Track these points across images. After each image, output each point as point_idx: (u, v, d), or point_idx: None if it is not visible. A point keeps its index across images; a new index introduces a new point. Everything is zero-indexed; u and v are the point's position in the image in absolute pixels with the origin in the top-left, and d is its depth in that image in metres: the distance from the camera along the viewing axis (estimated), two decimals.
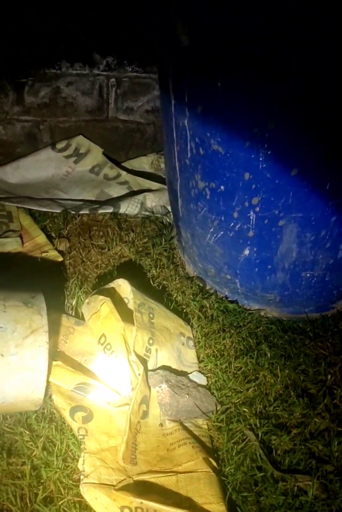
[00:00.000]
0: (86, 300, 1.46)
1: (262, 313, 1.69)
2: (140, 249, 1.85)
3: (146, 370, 1.34)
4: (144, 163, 2.20)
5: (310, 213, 1.32)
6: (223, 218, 1.44)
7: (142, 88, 2.08)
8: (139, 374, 1.31)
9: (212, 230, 1.51)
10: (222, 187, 1.36)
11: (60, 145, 2.12)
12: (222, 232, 1.48)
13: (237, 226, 1.43)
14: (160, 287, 1.71)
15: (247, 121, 1.18)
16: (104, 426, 1.25)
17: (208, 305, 1.66)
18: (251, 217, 1.37)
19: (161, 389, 1.34)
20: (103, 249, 1.84)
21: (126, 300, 1.49)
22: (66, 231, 1.88)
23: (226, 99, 1.17)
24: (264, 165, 1.24)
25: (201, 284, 1.76)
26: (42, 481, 1.15)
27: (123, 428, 1.23)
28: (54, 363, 1.30)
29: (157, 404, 1.33)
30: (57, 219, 1.91)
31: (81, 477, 1.12)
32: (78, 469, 1.16)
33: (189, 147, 1.38)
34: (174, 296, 1.69)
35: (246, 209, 1.36)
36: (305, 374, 1.49)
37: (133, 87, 2.07)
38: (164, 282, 1.74)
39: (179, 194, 1.59)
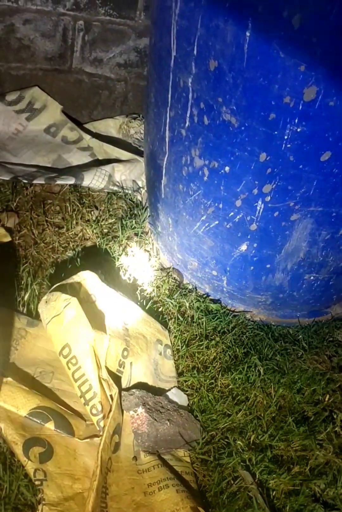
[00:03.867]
0: (45, 297, 1.15)
1: (248, 316, 1.46)
2: (106, 230, 1.55)
3: (120, 390, 1.07)
4: (111, 127, 1.87)
5: (332, 208, 1.08)
6: (221, 205, 1.17)
7: (116, 36, 1.73)
8: (112, 396, 1.04)
9: (203, 217, 1.24)
10: (227, 168, 1.09)
11: (10, 97, 1.74)
12: (216, 222, 1.22)
13: (238, 217, 1.17)
14: (131, 280, 1.43)
15: (279, 87, 0.90)
16: (67, 465, 0.97)
17: (187, 304, 1.40)
18: (258, 208, 1.12)
19: (137, 415, 1.07)
20: (60, 228, 1.52)
21: (93, 297, 1.20)
22: (14, 204, 1.54)
23: (254, 53, 0.89)
24: (288, 145, 0.98)
25: (177, 278, 1.50)
26: None
27: (92, 469, 0.96)
28: (4, 379, 1.00)
29: (131, 432, 1.07)
30: (3, 187, 1.56)
31: None
32: None
33: (188, 114, 1.09)
34: (148, 292, 1.41)
35: (253, 197, 1.11)
36: (301, 394, 1.27)
37: (105, 34, 1.71)
38: (135, 273, 1.45)
39: (164, 170, 1.30)
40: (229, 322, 1.40)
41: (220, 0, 0.90)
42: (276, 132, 0.97)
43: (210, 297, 1.46)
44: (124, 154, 1.74)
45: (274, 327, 1.45)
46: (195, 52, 0.99)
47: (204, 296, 1.46)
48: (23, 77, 1.75)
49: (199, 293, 1.46)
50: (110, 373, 1.07)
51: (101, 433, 0.99)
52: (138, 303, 1.31)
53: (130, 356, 1.14)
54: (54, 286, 1.16)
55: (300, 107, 0.91)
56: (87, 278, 1.21)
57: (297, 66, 0.87)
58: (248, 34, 0.88)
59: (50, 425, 0.99)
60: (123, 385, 1.12)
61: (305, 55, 0.86)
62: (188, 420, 1.14)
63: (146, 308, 1.33)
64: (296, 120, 0.94)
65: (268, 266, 1.26)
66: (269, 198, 1.09)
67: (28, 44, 1.70)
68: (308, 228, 1.13)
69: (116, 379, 1.07)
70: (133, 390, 1.11)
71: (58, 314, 1.10)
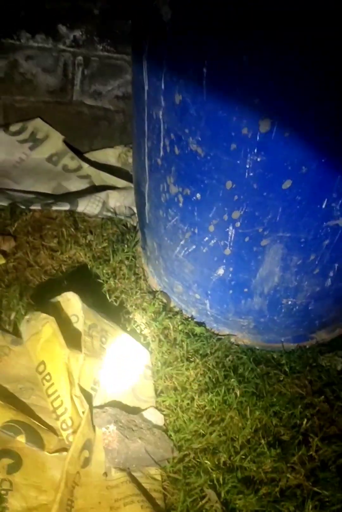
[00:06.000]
0: (26, 316, 1.21)
1: (232, 340, 1.48)
2: (98, 254, 1.61)
3: (91, 407, 1.11)
4: (110, 156, 1.95)
5: (300, 234, 1.11)
6: (196, 230, 1.22)
7: (113, 70, 1.82)
8: (83, 412, 1.08)
9: (182, 242, 1.28)
10: (198, 195, 1.14)
11: (14, 128, 1.84)
12: (194, 246, 1.26)
13: (212, 242, 1.21)
14: (117, 302, 1.48)
15: (236, 118, 0.95)
16: (35, 477, 1.02)
17: (171, 326, 1.44)
18: (230, 233, 1.16)
19: (109, 431, 1.11)
20: (55, 251, 1.59)
21: (75, 318, 1.26)
22: (13, 228, 1.62)
23: (212, 87, 0.95)
24: (251, 174, 1.02)
25: (165, 301, 1.54)
26: None
27: (58, 481, 1.00)
28: None
29: (103, 448, 1.11)
30: (3, 213, 1.65)
31: None
32: None
33: (162, 144, 1.15)
34: (133, 314, 1.46)
35: (224, 223, 1.15)
36: (278, 417, 1.29)
37: (103, 69, 1.80)
38: (123, 295, 1.50)
39: (146, 197, 1.36)
40: (212, 345, 1.43)
41: (181, 42, 0.97)
42: (238, 162, 1.01)
43: (195, 320, 1.49)
44: (119, 182, 1.81)
45: (258, 351, 1.47)
46: (162, 86, 1.05)
47: (189, 319, 1.49)
48: (26, 109, 1.85)
49: (185, 316, 1.50)
50: (82, 391, 1.11)
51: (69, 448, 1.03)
52: (121, 325, 1.36)
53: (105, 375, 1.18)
54: (37, 306, 1.22)
55: (258, 138, 0.96)
56: (70, 299, 1.27)
57: (252, 100, 0.92)
58: (204, 70, 0.93)
59: (21, 438, 1.03)
60: (98, 403, 1.16)
61: (258, 90, 0.91)
62: (161, 439, 1.17)
63: (129, 329, 1.38)
64: (255, 150, 0.98)
65: (246, 290, 1.29)
66: (238, 223, 1.13)
67: (30, 79, 1.80)
68: (279, 253, 1.17)
69: (89, 397, 1.12)
70: (107, 407, 1.15)
71: (37, 332, 1.16)
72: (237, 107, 0.95)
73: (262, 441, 1.21)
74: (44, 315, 1.16)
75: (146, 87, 1.12)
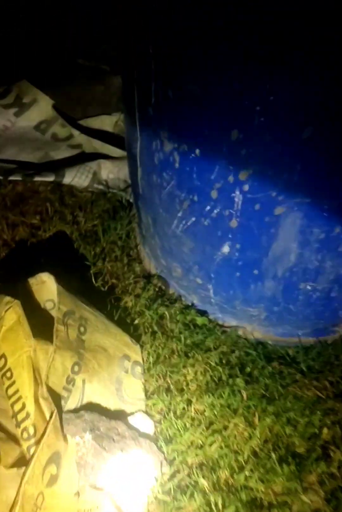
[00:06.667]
0: None
1: (240, 333, 1.26)
2: (87, 234, 1.40)
3: (60, 411, 0.90)
4: (106, 123, 1.73)
5: (323, 200, 0.89)
6: (195, 198, 1.00)
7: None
8: (50, 418, 0.87)
9: (180, 214, 1.07)
10: (197, 151, 0.92)
11: None
12: (193, 218, 1.05)
13: (215, 211, 0.99)
14: (105, 287, 1.27)
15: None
16: None
17: (168, 316, 1.23)
18: (236, 199, 0.94)
19: (83, 442, 0.90)
20: (36, 229, 1.38)
21: (50, 304, 1.06)
22: None
23: None
24: (261, 118, 0.80)
25: (162, 286, 1.33)
26: None
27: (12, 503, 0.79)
28: None
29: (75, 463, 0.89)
30: None
31: None
32: None
33: (152, 88, 0.93)
34: (124, 301, 1.24)
35: (230, 186, 0.93)
36: (293, 425, 1.07)
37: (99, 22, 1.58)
38: (113, 280, 1.29)
39: (138, 160, 1.14)
40: (216, 339, 1.21)
41: None
42: (246, 101, 0.79)
43: (197, 309, 1.28)
44: (115, 151, 1.59)
45: (270, 346, 1.25)
46: None
47: (190, 307, 1.27)
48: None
49: (185, 304, 1.28)
50: (51, 391, 0.90)
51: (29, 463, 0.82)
52: (107, 313, 1.14)
53: (83, 372, 0.97)
54: (4, 289, 1.01)
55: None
56: (45, 281, 1.07)
57: None
58: None
59: None
60: (72, 406, 0.95)
61: None
62: (149, 451, 0.96)
63: (116, 318, 1.16)
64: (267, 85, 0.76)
65: (256, 272, 1.07)
66: (247, 187, 0.91)
67: None
68: (296, 225, 0.94)
69: (58, 399, 0.91)
70: (83, 411, 0.94)
71: None
72: None
73: (273, 455, 1.00)
74: (8, 298, 0.96)
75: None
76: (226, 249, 1.06)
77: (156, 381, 1.09)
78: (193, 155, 0.94)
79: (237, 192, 0.93)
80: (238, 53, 0.76)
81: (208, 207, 1.00)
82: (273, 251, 1.01)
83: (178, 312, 1.24)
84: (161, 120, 0.96)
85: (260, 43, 0.75)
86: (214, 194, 0.97)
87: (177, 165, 0.99)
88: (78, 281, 1.23)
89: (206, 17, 0.77)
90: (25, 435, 0.86)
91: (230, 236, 1.02)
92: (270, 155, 0.85)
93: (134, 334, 1.15)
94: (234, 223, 0.99)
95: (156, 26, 0.87)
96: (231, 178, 0.92)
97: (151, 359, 1.12)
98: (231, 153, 0.88)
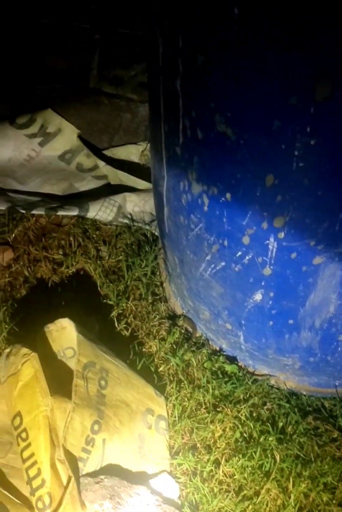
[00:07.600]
0: (7, 350, 0.94)
1: (273, 382, 1.18)
2: (111, 270, 1.34)
3: (78, 475, 0.83)
4: (132, 153, 1.67)
5: None
6: (226, 242, 0.93)
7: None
8: (67, 484, 0.80)
9: (208, 257, 0.99)
10: (228, 195, 0.85)
11: (21, 120, 1.59)
12: (223, 263, 0.97)
13: (247, 258, 0.91)
14: (129, 330, 1.20)
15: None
16: None
17: (195, 363, 1.15)
18: (271, 247, 0.86)
19: (103, 511, 0.82)
20: (59, 265, 1.33)
21: (70, 352, 0.99)
22: (12, 236, 1.37)
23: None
24: (300, 164, 0.72)
25: (189, 328, 1.25)
26: None
27: None
28: None
29: None
30: (2, 218, 1.40)
31: None
32: None
33: (180, 127, 0.87)
34: (148, 345, 1.17)
35: (263, 233, 0.85)
36: (331, 491, 0.98)
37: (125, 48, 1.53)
38: (137, 321, 1.22)
39: (164, 199, 1.07)
40: (247, 389, 1.13)
41: None
42: (283, 146, 0.72)
43: (226, 355, 1.19)
44: (140, 183, 1.53)
45: (305, 397, 1.16)
46: (180, 42, 0.77)
47: (219, 352, 1.19)
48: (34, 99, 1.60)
49: (213, 349, 1.20)
50: (69, 454, 0.83)
51: None
52: (130, 361, 1.07)
53: (103, 431, 0.89)
54: (22, 335, 0.96)
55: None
56: (66, 327, 1.00)
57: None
58: None
59: None
60: (92, 468, 0.88)
61: None
62: None
63: (139, 367, 1.09)
64: (308, 129, 0.68)
65: (291, 321, 0.99)
66: (282, 234, 0.83)
67: None
68: (337, 276, 0.86)
69: (75, 461, 0.84)
70: (102, 476, 0.86)
71: (15, 372, 0.89)
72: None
73: None
74: (25, 350, 0.90)
75: (160, 50, 0.84)
76: (258, 296, 0.98)
77: (182, 437, 1.01)
78: (223, 198, 0.86)
79: (271, 240, 0.86)
80: (279, 91, 0.69)
81: (239, 253, 0.92)
82: (311, 302, 0.92)
83: (205, 358, 1.17)
84: (189, 161, 0.89)
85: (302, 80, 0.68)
86: (245, 240, 0.89)
87: (205, 208, 0.92)
88: (100, 323, 1.16)
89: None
90: (40, 505, 0.79)
91: (262, 283, 0.95)
92: (309, 202, 0.77)
93: (159, 384, 1.08)
94: (267, 271, 0.91)
95: (184, 59, 0.80)
96: (264, 225, 0.84)
97: (176, 413, 1.04)
98: (265, 198, 0.81)
